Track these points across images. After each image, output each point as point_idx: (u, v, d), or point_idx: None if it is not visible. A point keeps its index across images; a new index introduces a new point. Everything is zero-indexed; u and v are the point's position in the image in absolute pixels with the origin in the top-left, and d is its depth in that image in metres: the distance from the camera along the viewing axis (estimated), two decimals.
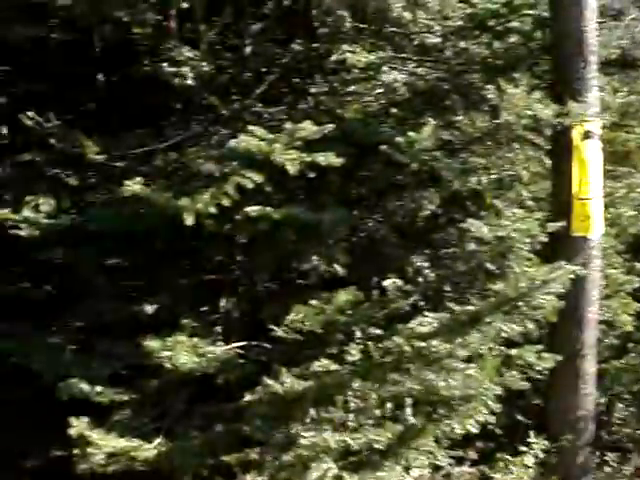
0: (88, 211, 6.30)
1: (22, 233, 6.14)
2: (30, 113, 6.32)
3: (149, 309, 6.66)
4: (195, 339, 5.98)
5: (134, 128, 7.02)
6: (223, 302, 6.73)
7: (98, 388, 5.72)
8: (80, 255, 6.46)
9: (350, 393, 5.39)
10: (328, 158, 5.70)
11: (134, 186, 5.61)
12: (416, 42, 6.68)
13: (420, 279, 6.40)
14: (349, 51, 6.47)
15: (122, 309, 6.67)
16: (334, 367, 5.51)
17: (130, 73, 7.20)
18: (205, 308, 6.75)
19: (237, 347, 6.16)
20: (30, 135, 6.64)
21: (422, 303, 6.17)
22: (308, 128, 5.64)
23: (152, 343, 5.58)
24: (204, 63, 6.58)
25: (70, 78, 10.57)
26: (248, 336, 6.33)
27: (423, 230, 6.91)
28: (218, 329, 6.46)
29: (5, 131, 9.04)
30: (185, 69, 6.57)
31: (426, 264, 6.52)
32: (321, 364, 5.55)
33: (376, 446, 5.03)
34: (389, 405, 5.36)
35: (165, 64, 6.63)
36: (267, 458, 5.12)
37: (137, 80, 7.17)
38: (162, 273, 7.06)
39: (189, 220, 5.45)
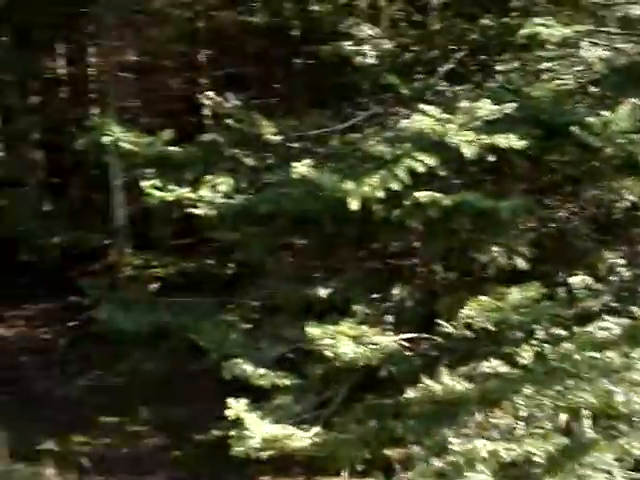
0: (261, 192, 6.26)
1: (198, 212, 6.23)
2: (209, 93, 6.35)
3: (322, 293, 6.55)
4: (363, 327, 5.76)
5: (319, 108, 6.94)
6: (397, 290, 6.47)
7: (261, 370, 5.66)
8: (254, 235, 6.48)
9: (521, 400, 4.90)
10: (510, 140, 5.21)
11: (301, 168, 5.45)
12: (619, 14, 5.96)
13: (613, 277, 5.78)
14: (542, 25, 5.89)
15: (295, 291, 6.64)
16: (504, 369, 5.05)
17: (317, 54, 7.11)
18: (378, 295, 6.52)
19: (406, 339, 5.87)
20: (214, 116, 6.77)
21: (614, 304, 5.57)
22: (486, 107, 5.18)
23: (313, 330, 5.41)
24: (385, 40, 6.31)
25: (268, 60, 10.80)
26: (419, 328, 6.02)
27: (620, 223, 6.23)
28: (389, 318, 6.22)
29: (208, 112, 9.38)
30: (366, 47, 6.34)
31: (621, 261, 5.88)
32: (490, 365, 5.12)
33: (535, 459, 4.54)
34: (563, 416, 4.82)
35: (347, 43, 6.43)
36: (417, 461, 4.78)
37: (324, 60, 7.07)
38: (337, 257, 6.95)
39: (353, 204, 5.19)
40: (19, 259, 9.29)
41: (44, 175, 11.80)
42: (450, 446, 4.62)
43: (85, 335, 7.92)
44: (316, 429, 5.42)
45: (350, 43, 6.45)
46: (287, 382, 5.69)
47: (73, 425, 7.03)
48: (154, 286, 8.64)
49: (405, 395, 5.19)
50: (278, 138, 6.40)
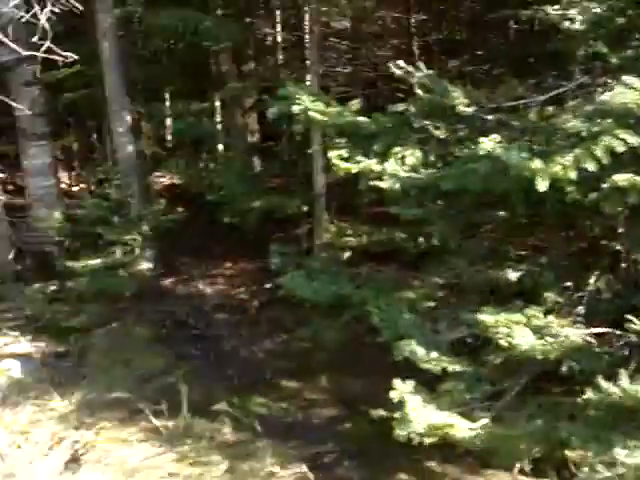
0: (448, 167, 5.96)
1: (383, 185, 6.07)
2: (400, 62, 6.10)
3: (511, 276, 6.18)
4: (549, 317, 5.36)
5: (521, 77, 6.49)
6: (593, 279, 5.94)
7: (433, 354, 5.43)
8: (439, 212, 6.22)
9: None
10: None
11: (488, 143, 5.11)
12: None
13: None
14: None
15: (481, 272, 6.31)
16: None
17: (525, 19, 6.65)
18: (571, 283, 6.03)
19: (595, 334, 5.36)
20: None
21: None
22: None
23: (488, 317, 5.09)
24: (596, 4, 5.71)
25: (481, 26, 10.29)
26: (612, 323, 5.48)
27: None
28: (580, 309, 5.73)
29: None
30: (574, 11, 5.79)
31: None
32: None
33: None
34: None
35: (554, 7, 5.92)
36: (586, 468, 4.35)
37: (532, 26, 6.60)
38: (529, 239, 6.53)
39: (541, 185, 4.79)
40: (223, 221, 9.66)
41: (255, 139, 12.19)
42: (618, 458, 4.15)
43: (276, 298, 8.06)
44: (484, 421, 5.11)
45: (557, 7, 5.92)
46: (459, 368, 5.42)
47: (254, 386, 7.23)
48: (346, 255, 8.65)
49: (584, 396, 4.72)
50: (471, 109, 6.03)
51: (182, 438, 6.26)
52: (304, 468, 5.70)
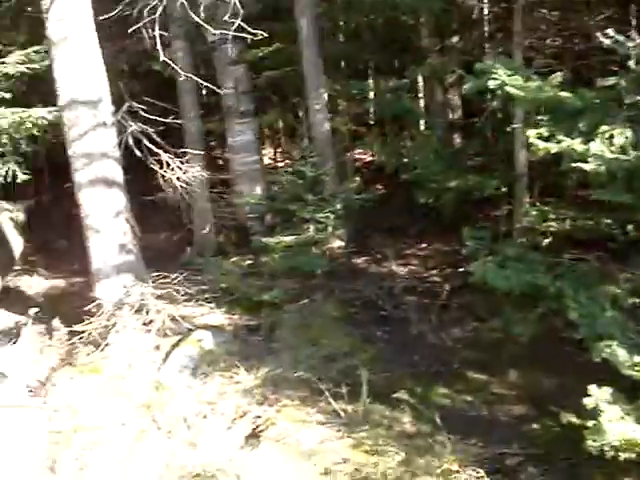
0: None
1: (586, 167, 5.54)
2: (609, 31, 5.50)
3: None
4: None
5: None
6: None
7: (636, 358, 4.87)
8: None
9: None
10: None
11: None
12: None
13: None
14: None
15: None
16: None
17: None
18: None
19: None
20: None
21: None
22: None
23: None
24: None
25: None
26: None
27: None
28: None
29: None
30: None
31: None
32: None
33: None
34: None
35: None
36: None
37: None
38: None
39: None
40: (417, 201, 9.37)
41: (457, 116, 11.72)
42: None
43: (468, 283, 7.66)
44: None
45: None
46: None
47: (438, 375, 6.93)
48: (546, 241, 8.07)
49: None
50: None
51: (360, 424, 6.09)
52: (481, 472, 5.33)
